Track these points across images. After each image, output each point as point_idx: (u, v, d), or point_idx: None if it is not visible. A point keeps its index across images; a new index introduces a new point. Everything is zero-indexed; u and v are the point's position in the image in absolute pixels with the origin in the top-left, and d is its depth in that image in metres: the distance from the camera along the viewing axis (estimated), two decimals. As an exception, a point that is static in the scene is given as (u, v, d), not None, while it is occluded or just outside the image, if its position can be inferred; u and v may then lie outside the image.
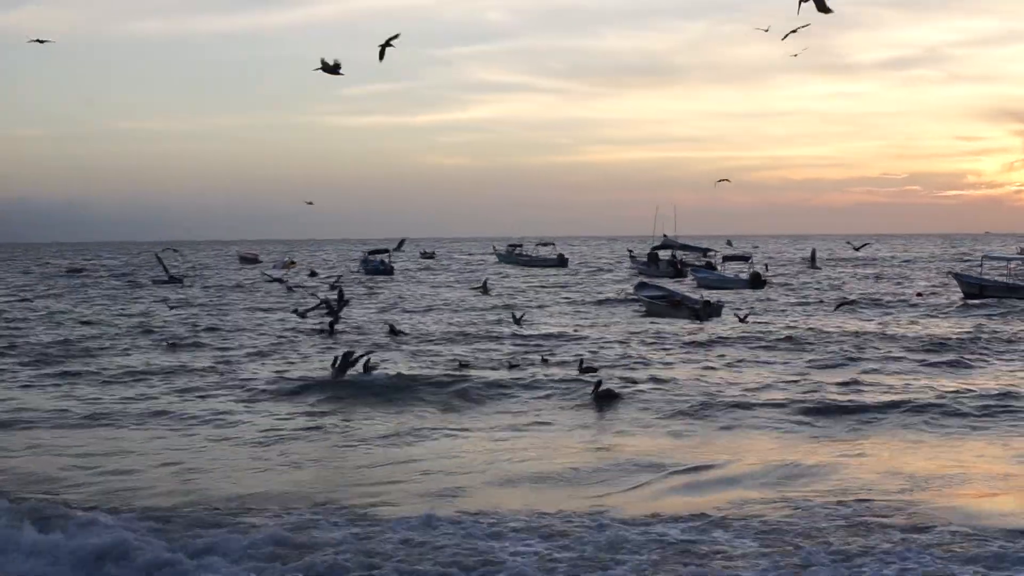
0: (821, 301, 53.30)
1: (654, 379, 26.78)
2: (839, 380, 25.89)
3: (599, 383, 24.18)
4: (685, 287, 60.72)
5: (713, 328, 39.00)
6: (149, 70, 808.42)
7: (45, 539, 12.45)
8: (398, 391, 24.91)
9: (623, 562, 11.89)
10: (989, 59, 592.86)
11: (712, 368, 28.94)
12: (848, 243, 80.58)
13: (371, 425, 21.08)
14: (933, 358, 30.38)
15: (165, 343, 34.98)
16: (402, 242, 65.12)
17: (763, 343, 34.46)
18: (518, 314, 41.87)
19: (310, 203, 41.43)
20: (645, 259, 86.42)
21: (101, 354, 33.09)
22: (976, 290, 54.62)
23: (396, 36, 17.52)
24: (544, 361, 30.60)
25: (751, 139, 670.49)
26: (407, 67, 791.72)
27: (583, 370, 28.23)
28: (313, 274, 38.27)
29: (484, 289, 60.36)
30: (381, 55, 17.68)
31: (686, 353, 32.43)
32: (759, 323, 41.05)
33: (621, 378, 26.56)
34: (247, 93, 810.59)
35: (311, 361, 30.83)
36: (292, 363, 30.38)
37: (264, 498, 14.90)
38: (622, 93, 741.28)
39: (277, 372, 28.46)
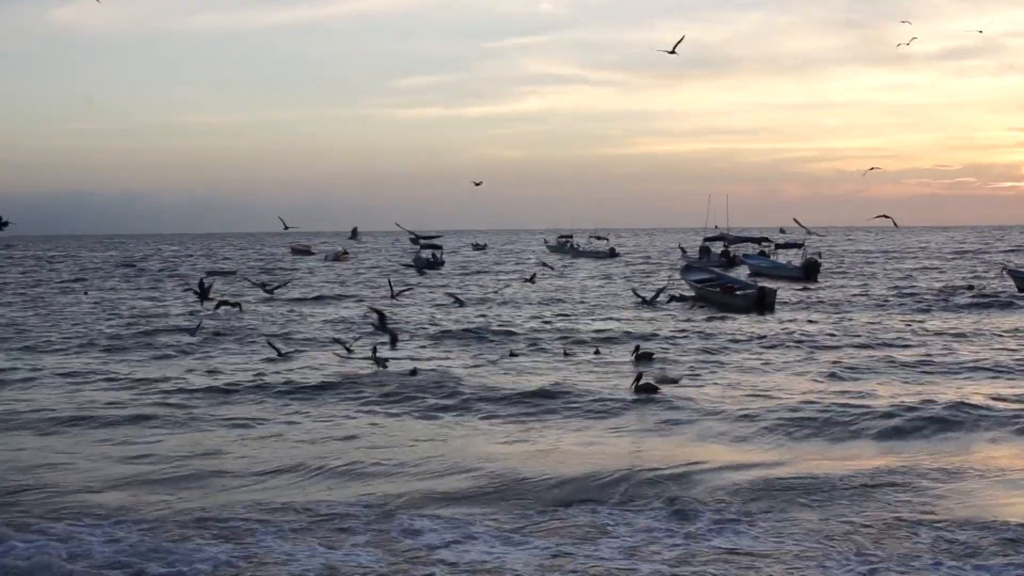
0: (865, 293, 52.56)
1: (705, 376, 26.21)
2: (907, 387, 24.58)
3: (639, 376, 23.79)
4: (736, 274, 60.30)
5: (766, 324, 38.43)
6: (202, 64, 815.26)
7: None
8: (438, 387, 24.49)
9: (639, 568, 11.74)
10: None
11: (766, 367, 27.94)
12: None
13: (387, 425, 20.65)
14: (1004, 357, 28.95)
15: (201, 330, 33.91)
16: (354, 231, 65.55)
17: (819, 340, 33.27)
18: (530, 272, 41.86)
19: (478, 183, 41.14)
20: (696, 253, 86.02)
21: (144, 349, 33.01)
22: (1031, 285, 53.36)
23: (681, 40, 18.52)
24: (596, 352, 30.43)
25: (805, 130, 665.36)
26: (460, 59, 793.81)
27: (639, 357, 27.98)
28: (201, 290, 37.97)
29: (531, 280, 61.34)
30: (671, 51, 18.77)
31: (742, 349, 31.56)
32: (814, 319, 40.47)
33: (678, 376, 25.91)
34: (300, 86, 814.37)
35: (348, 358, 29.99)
36: (338, 357, 29.95)
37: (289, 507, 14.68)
38: (676, 85, 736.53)
39: (318, 368, 27.94)
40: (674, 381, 24.98)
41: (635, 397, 22.66)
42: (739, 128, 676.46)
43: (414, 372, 26.37)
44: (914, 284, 60.38)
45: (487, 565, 11.93)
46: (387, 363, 26.76)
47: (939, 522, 13.18)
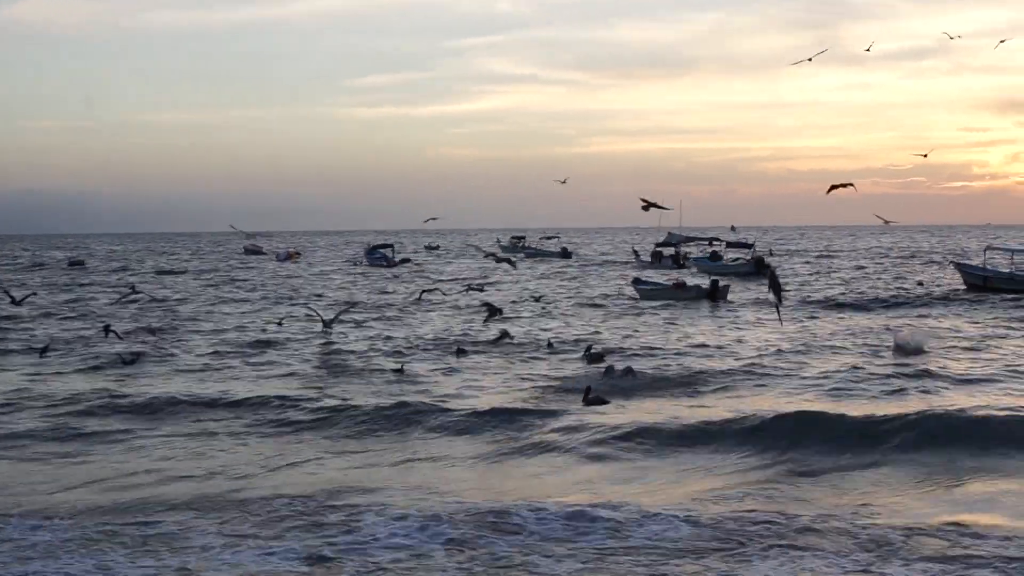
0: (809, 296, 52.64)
1: (652, 385, 25.26)
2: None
3: (588, 389, 23.08)
4: (686, 275, 60.74)
5: (715, 325, 38.20)
6: (160, 62, 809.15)
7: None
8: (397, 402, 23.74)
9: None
10: (997, 50, 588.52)
11: (702, 375, 26.42)
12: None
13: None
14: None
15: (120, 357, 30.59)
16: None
17: (779, 344, 31.77)
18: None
19: (563, 181, 40.99)
20: (649, 257, 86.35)
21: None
22: (980, 281, 53.90)
23: (823, 52, 16.92)
24: (550, 345, 30.86)
25: (760, 130, 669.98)
26: (417, 58, 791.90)
27: (591, 357, 27.67)
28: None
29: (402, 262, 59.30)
30: None
31: (686, 353, 30.66)
32: (769, 319, 40.08)
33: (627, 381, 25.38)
34: (257, 85, 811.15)
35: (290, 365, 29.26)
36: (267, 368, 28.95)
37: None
38: (632, 84, 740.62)
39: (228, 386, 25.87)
40: (601, 356, 24.98)
41: (584, 410, 21.97)
42: (695, 128, 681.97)
43: (400, 370, 26.61)
44: (862, 281, 60.74)
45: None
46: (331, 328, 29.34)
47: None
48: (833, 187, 22.76)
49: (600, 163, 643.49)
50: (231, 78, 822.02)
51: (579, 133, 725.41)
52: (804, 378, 25.63)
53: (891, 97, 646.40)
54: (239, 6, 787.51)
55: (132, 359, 29.10)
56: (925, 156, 37.57)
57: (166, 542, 12.86)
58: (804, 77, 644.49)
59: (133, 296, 44.00)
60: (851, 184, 22.46)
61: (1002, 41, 38.55)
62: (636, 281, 57.19)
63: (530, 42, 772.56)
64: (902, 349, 28.34)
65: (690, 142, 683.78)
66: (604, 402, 22.33)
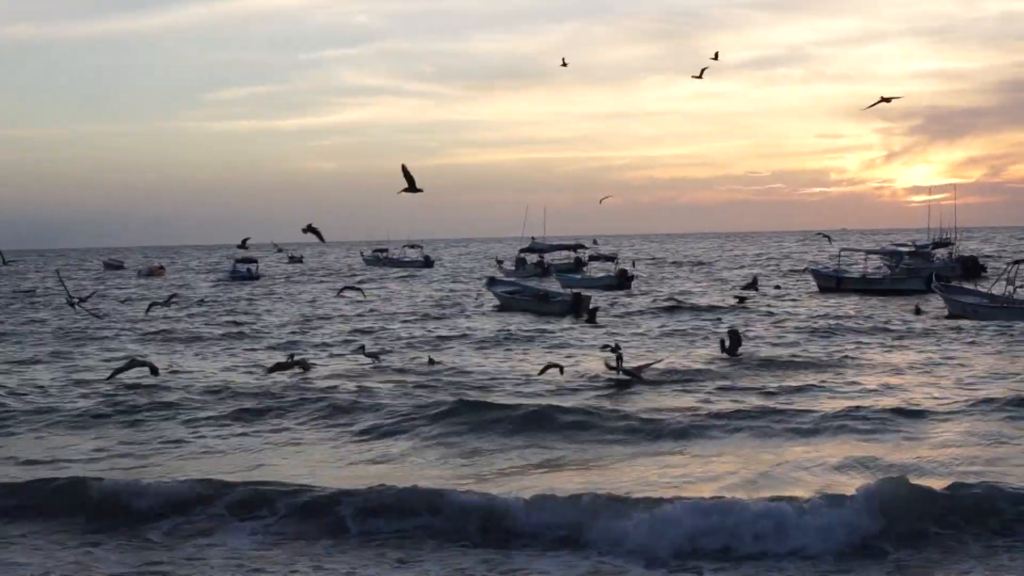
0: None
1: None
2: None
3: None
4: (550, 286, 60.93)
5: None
6: (9, 77, 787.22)
7: None
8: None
9: None
10: (850, 58, 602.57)
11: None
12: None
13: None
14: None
15: None
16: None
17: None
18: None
19: (607, 197, 39.97)
20: (513, 264, 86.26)
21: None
22: (832, 284, 55.40)
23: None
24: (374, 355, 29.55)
25: (620, 139, 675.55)
26: (276, 71, 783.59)
27: (367, 355, 28.55)
28: None
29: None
30: None
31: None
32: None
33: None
34: (110, 100, 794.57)
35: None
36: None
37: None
38: (491, 96, 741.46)
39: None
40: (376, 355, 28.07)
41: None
42: (554, 138, 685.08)
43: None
44: (713, 289, 61.88)
45: None
46: None
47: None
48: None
49: (462, 174, 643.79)
50: (83, 93, 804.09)
51: (441, 144, 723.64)
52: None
53: (748, 105, 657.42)
54: (87, 20, 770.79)
55: None
56: (889, 100, 35.54)
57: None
58: (661, 87, 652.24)
59: None
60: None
61: (714, 57, 38.85)
62: (491, 281, 56.51)
63: (388, 54, 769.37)
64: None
65: (550, 152, 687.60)
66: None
